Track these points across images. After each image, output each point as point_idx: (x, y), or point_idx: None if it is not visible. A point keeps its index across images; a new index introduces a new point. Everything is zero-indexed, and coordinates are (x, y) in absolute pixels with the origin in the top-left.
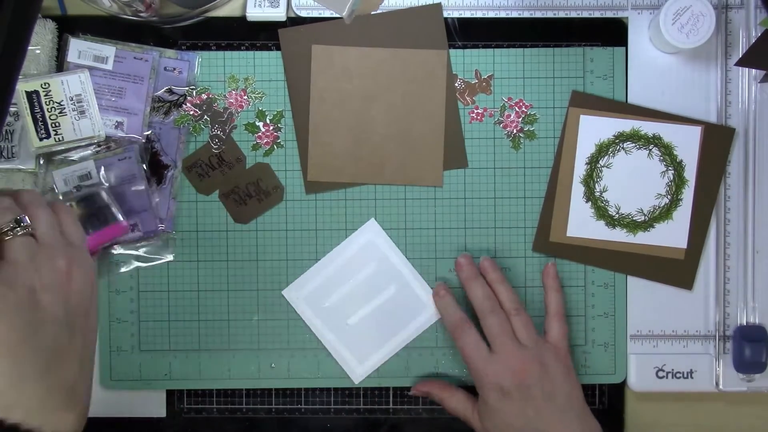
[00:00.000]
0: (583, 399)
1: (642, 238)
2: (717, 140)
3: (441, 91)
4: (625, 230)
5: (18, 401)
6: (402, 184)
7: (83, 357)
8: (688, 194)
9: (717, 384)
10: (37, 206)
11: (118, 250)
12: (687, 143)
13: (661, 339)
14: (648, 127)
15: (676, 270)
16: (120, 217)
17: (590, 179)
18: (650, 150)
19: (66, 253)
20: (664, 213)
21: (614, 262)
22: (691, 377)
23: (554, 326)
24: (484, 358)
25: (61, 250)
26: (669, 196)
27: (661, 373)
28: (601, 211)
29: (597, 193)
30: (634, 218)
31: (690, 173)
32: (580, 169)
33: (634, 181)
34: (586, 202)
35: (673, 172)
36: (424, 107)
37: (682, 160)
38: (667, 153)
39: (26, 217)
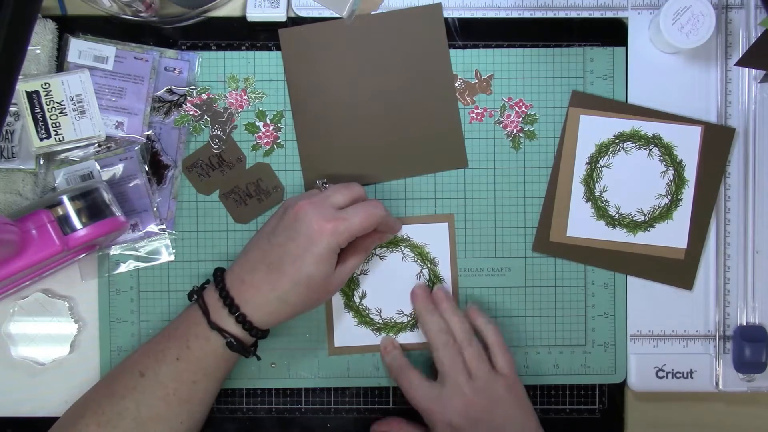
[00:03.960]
0: (538, 426)
1: (642, 238)
2: (717, 140)
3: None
4: (625, 230)
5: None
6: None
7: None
8: (688, 194)
9: (717, 384)
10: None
11: (117, 250)
12: (687, 143)
13: (661, 339)
14: (648, 127)
15: (676, 270)
16: (117, 212)
17: (590, 179)
18: (650, 150)
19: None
20: (664, 213)
21: (614, 262)
22: (691, 377)
23: (498, 356)
24: (432, 397)
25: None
26: (669, 196)
27: (661, 373)
28: (601, 211)
29: (597, 193)
30: (634, 218)
31: (690, 173)
32: (580, 169)
33: (634, 181)
34: (586, 202)
35: (673, 172)
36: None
37: (682, 160)
38: (667, 153)
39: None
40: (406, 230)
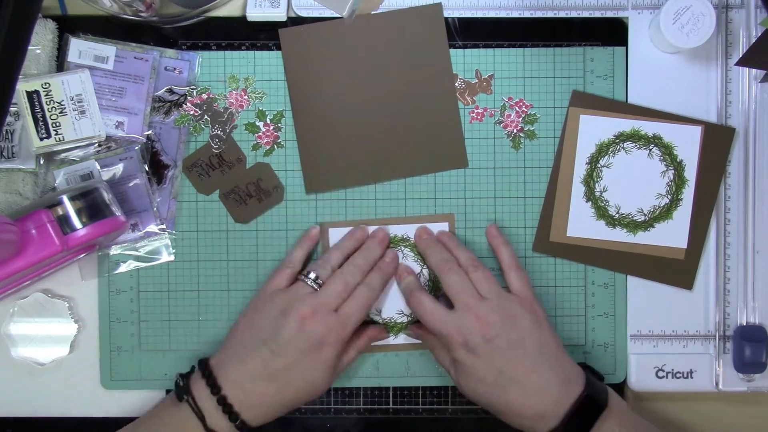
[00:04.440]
0: (559, 345)
1: (642, 238)
2: (717, 140)
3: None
4: (625, 230)
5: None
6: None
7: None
8: (688, 194)
9: (717, 384)
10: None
11: (117, 250)
12: (687, 143)
13: (661, 339)
14: (648, 127)
15: (676, 270)
16: (117, 211)
17: (590, 179)
18: (650, 150)
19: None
20: (664, 213)
21: (614, 262)
22: (691, 377)
23: (513, 277)
24: (445, 319)
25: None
26: (669, 196)
27: (661, 373)
28: (601, 211)
29: (597, 193)
30: (634, 218)
31: (690, 173)
32: (580, 169)
33: (635, 181)
34: (586, 202)
35: (673, 172)
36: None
37: (682, 160)
38: (667, 153)
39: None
40: (406, 230)
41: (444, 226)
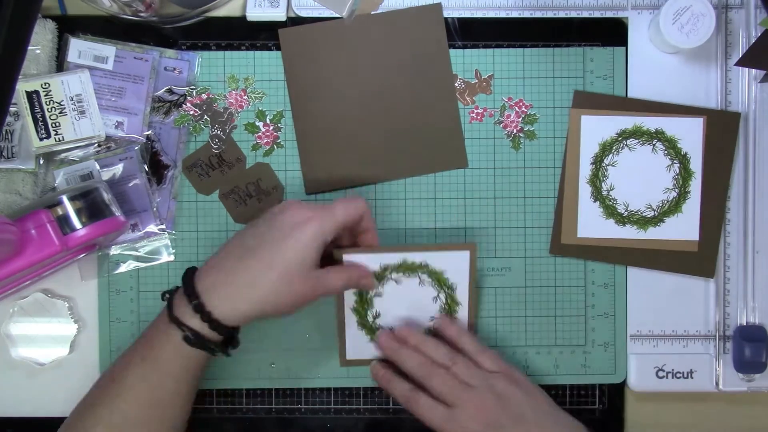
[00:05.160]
0: (552, 403)
1: (653, 233)
2: (721, 128)
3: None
4: (635, 227)
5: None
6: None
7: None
8: (695, 186)
9: (717, 384)
10: None
11: (117, 250)
12: (690, 135)
13: (661, 339)
14: (650, 122)
15: (693, 261)
16: (117, 211)
17: (596, 179)
18: (654, 145)
19: None
20: (673, 207)
21: (629, 259)
22: (691, 377)
23: (485, 359)
24: (446, 418)
25: None
26: (677, 190)
27: (661, 373)
28: (610, 210)
29: (604, 192)
30: (643, 214)
31: (696, 165)
32: (585, 169)
33: (641, 177)
34: (594, 201)
35: (678, 165)
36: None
37: (686, 153)
38: (671, 146)
39: None
40: (425, 257)
41: (465, 255)
